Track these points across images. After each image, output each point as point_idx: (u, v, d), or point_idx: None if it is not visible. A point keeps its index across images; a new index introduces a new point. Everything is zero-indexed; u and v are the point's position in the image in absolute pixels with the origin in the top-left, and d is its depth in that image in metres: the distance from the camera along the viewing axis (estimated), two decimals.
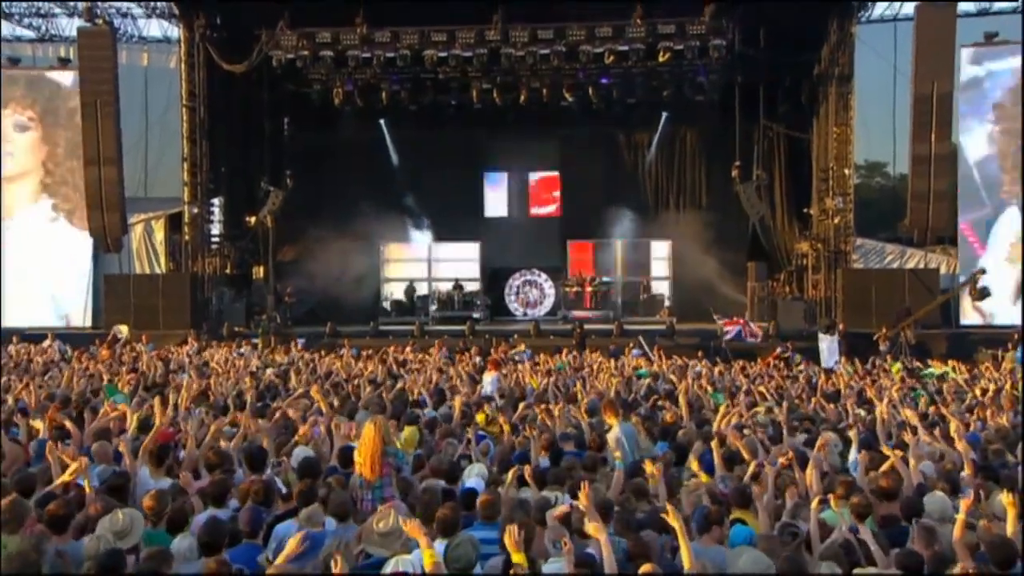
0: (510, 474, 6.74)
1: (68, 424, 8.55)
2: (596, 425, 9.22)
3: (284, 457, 7.65)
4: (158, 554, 4.74)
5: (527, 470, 6.80)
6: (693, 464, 7.79)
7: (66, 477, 6.15)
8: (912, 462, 7.64)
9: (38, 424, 8.65)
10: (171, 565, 4.76)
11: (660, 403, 12.19)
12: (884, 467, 7.55)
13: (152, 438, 7.73)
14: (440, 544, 4.83)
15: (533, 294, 28.45)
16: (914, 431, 8.73)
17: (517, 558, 4.63)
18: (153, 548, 4.89)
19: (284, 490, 6.50)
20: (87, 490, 6.05)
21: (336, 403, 10.82)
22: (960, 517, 5.55)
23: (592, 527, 5.00)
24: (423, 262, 29.27)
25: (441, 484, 6.72)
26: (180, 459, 7.65)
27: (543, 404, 11.05)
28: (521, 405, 11.04)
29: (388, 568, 4.50)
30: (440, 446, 8.48)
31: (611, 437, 8.57)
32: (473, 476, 7.02)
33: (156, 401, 9.98)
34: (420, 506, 5.85)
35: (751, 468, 7.37)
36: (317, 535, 4.84)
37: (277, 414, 9.81)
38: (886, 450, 7.84)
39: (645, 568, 4.65)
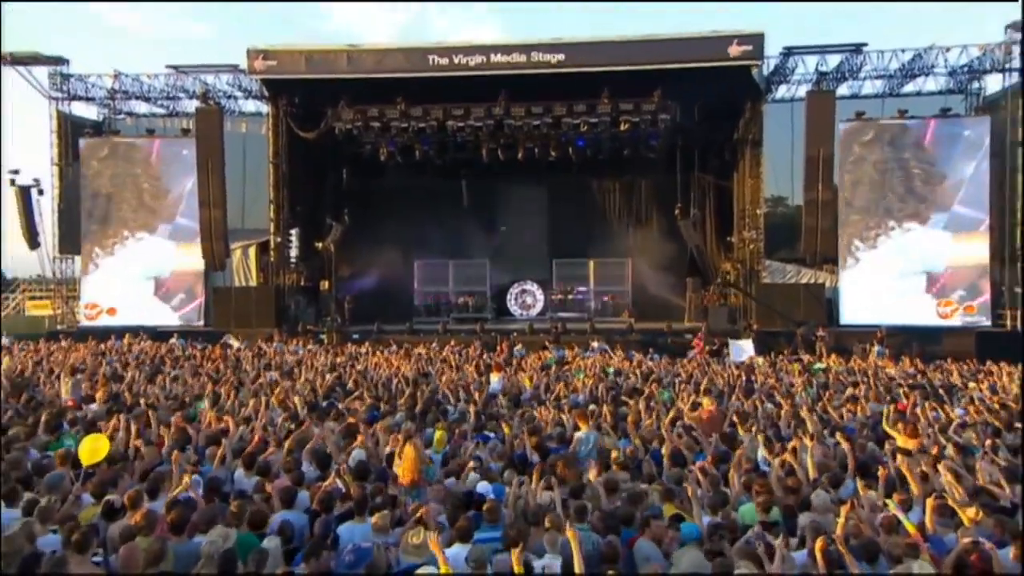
0: (514, 483, 6.39)
1: (189, 429, 8.35)
2: (572, 427, 8.90)
3: (344, 457, 7.37)
4: (257, 555, 4.73)
5: (537, 469, 6.59)
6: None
7: (180, 490, 6.09)
8: (809, 458, 7.40)
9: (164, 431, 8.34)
10: (266, 563, 4.75)
11: (623, 399, 11.51)
12: (780, 462, 7.31)
13: (250, 444, 7.59)
14: (460, 547, 4.79)
15: (528, 300, 28.39)
16: (814, 437, 8.40)
17: (518, 569, 4.45)
18: (255, 551, 4.82)
19: (343, 490, 6.15)
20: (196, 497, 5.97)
21: (382, 405, 10.47)
22: (840, 521, 5.40)
23: (568, 532, 4.84)
24: (446, 275, 29.21)
25: (460, 488, 6.50)
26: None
27: (537, 405, 10.69)
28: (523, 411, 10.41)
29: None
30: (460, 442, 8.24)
31: (577, 436, 8.30)
32: (483, 483, 6.63)
33: (251, 404, 9.98)
34: (446, 507, 5.79)
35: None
36: (365, 549, 4.66)
37: (338, 417, 9.48)
38: (785, 454, 7.58)
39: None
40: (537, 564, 4.78)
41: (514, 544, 4.91)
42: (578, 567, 4.51)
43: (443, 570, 4.26)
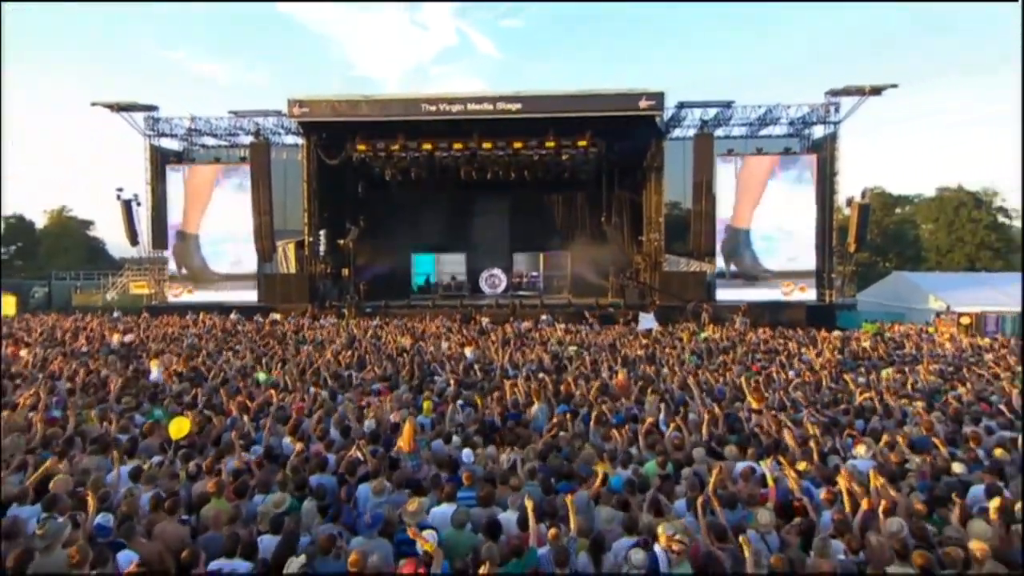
0: (481, 450, 6.11)
1: (247, 401, 7.93)
2: (526, 397, 8.40)
3: (358, 426, 7.00)
4: (295, 518, 4.65)
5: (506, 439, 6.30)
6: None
7: (237, 460, 5.79)
8: (704, 426, 7.04)
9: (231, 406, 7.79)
10: (300, 525, 4.66)
11: (564, 366, 11.19)
12: (671, 427, 6.98)
13: (293, 414, 7.23)
14: (448, 506, 4.65)
15: (495, 281, 28.28)
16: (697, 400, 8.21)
17: (427, 547, 3.97)
18: (292, 515, 4.70)
19: (362, 459, 5.80)
20: (252, 464, 5.73)
21: (389, 375, 10.05)
22: (712, 480, 5.15)
23: (527, 503, 4.53)
24: (434, 264, 28.81)
25: (445, 450, 6.24)
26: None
27: (501, 376, 10.10)
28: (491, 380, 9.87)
29: (418, 546, 4.06)
30: (444, 408, 7.76)
31: (531, 410, 7.86)
32: (465, 450, 6.13)
33: (291, 377, 9.64)
34: (433, 471, 5.60)
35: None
36: (380, 513, 4.55)
37: (357, 389, 9.11)
38: (677, 417, 7.31)
39: (552, 533, 4.17)
40: (502, 517, 4.65)
41: (484, 502, 4.89)
42: (532, 523, 4.42)
43: (426, 546, 3.93)
